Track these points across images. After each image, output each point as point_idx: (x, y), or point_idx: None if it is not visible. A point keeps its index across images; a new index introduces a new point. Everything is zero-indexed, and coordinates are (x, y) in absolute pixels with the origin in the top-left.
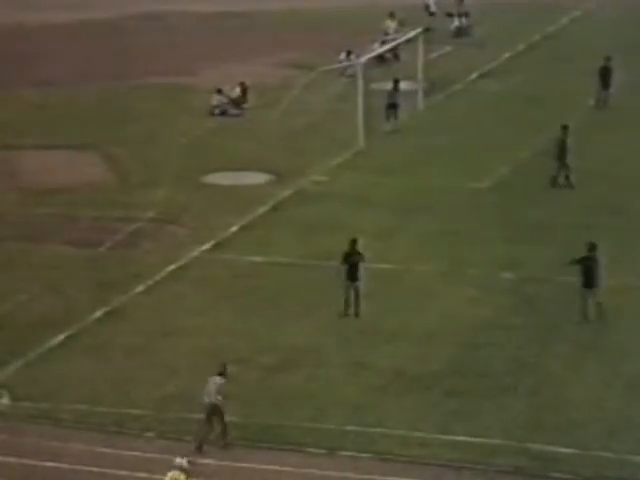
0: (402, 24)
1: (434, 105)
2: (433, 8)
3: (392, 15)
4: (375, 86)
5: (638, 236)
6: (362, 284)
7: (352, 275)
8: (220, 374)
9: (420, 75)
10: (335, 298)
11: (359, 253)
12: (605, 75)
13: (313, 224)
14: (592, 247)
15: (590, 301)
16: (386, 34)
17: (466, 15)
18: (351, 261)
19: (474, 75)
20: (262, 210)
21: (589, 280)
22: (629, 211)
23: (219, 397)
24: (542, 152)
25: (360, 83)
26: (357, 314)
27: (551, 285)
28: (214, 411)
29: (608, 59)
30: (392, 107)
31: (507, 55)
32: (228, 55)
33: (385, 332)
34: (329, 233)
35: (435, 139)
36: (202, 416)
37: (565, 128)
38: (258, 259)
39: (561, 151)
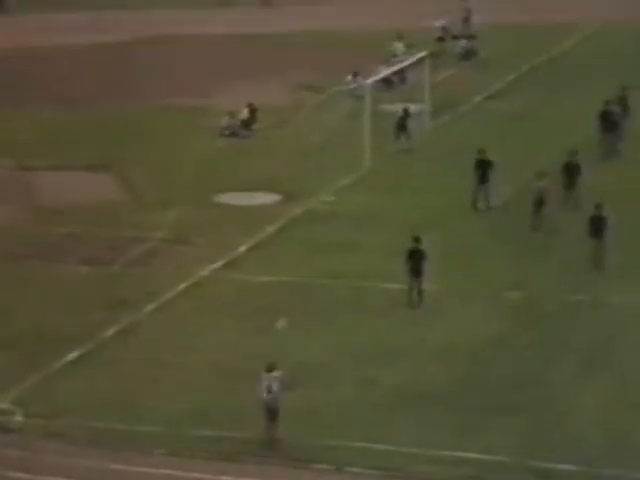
0: (410, 47)
1: (441, 126)
2: (440, 33)
3: (400, 37)
4: (383, 107)
5: None
6: (425, 279)
7: (415, 271)
8: (270, 370)
9: (427, 97)
10: (344, 316)
11: (422, 250)
12: (622, 104)
13: (322, 244)
14: (598, 206)
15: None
16: (394, 56)
17: (472, 37)
18: (414, 257)
19: (480, 96)
20: (271, 230)
21: (597, 232)
22: (635, 228)
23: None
24: (547, 172)
25: (367, 104)
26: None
27: (557, 303)
28: (273, 407)
29: (624, 89)
30: (402, 128)
31: (513, 76)
32: (239, 76)
33: (394, 349)
34: (337, 252)
35: (442, 159)
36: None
37: (573, 154)
38: (268, 278)
39: (570, 173)
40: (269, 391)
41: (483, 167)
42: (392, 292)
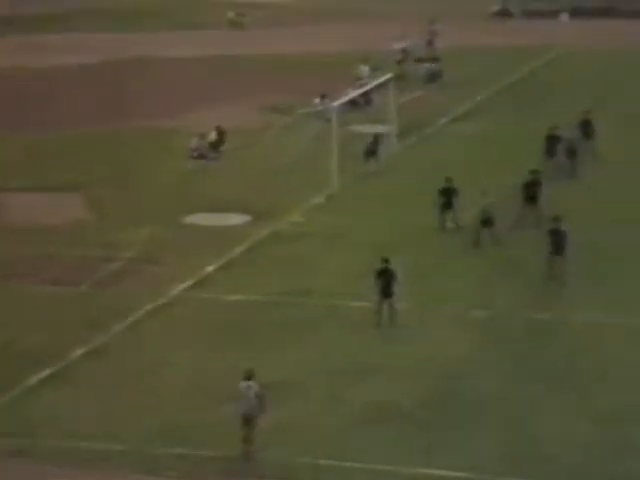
0: (375, 69)
1: (407, 147)
2: (400, 55)
3: (366, 60)
4: (351, 129)
5: (608, 273)
6: (396, 299)
7: (385, 291)
8: (249, 378)
9: (393, 119)
10: (313, 334)
11: (391, 270)
12: (586, 128)
13: (290, 263)
14: (556, 218)
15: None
16: (359, 79)
17: (436, 60)
18: (384, 278)
19: (446, 118)
20: (240, 250)
21: (557, 245)
22: (601, 248)
23: (259, 406)
24: (512, 194)
25: (334, 126)
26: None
27: (522, 321)
28: (250, 416)
29: (588, 112)
30: (371, 153)
31: (478, 98)
32: (208, 98)
33: (363, 367)
34: (307, 272)
35: (408, 181)
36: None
37: (535, 172)
38: (237, 297)
39: (531, 191)
40: (247, 399)
41: (448, 195)
42: (361, 310)
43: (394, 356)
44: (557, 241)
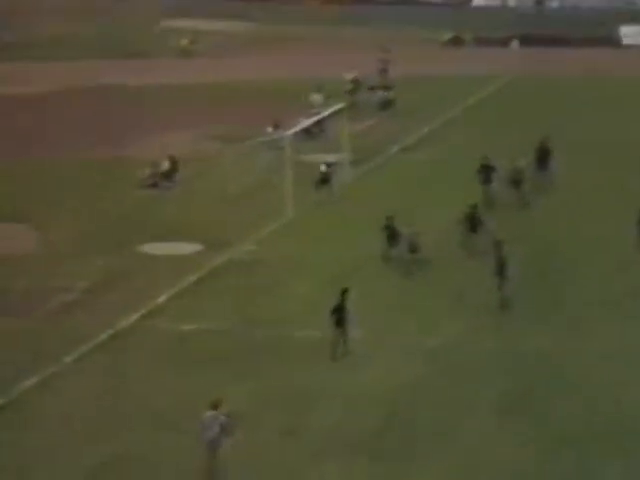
0: (328, 97)
1: (360, 176)
2: (351, 85)
3: (319, 89)
4: (304, 158)
5: (558, 300)
6: (349, 328)
7: (339, 321)
8: (215, 408)
9: (346, 148)
10: (267, 363)
11: (345, 301)
12: (543, 156)
13: (244, 292)
14: (498, 243)
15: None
16: (312, 107)
17: (389, 88)
18: (338, 309)
19: (398, 147)
20: (194, 279)
21: (500, 270)
22: (550, 275)
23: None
24: (451, 226)
25: (288, 155)
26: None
27: (474, 351)
28: (215, 446)
29: (546, 139)
30: (324, 183)
31: (430, 127)
32: (160, 127)
33: (316, 397)
34: (260, 301)
35: (361, 209)
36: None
37: (474, 207)
38: (190, 327)
39: (472, 225)
40: (212, 430)
41: (391, 230)
42: (315, 340)
43: (347, 386)
44: (499, 266)
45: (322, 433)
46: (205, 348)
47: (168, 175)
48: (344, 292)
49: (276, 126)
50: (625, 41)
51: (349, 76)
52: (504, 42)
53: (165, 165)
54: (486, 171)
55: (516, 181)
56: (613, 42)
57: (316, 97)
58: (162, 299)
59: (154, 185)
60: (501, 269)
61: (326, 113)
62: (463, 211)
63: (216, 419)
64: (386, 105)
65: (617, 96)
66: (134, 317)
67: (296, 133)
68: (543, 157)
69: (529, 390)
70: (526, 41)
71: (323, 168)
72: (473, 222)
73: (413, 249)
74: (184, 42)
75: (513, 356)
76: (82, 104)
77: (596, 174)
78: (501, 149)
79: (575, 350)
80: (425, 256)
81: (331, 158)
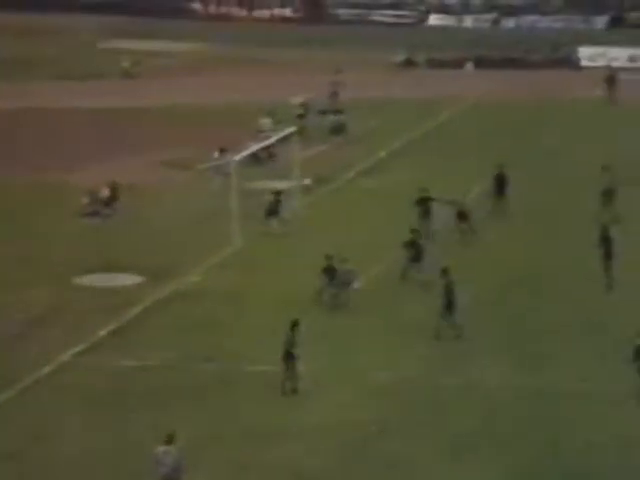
0: (278, 122)
1: (311, 203)
2: (300, 110)
3: (269, 113)
4: (252, 185)
5: (515, 334)
6: (299, 363)
7: (288, 355)
8: (168, 442)
9: (296, 174)
10: (214, 399)
11: (295, 334)
12: (500, 183)
13: (188, 325)
14: (445, 271)
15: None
16: (261, 132)
17: (340, 112)
18: (288, 342)
19: (351, 173)
20: (136, 312)
21: (450, 304)
22: (504, 308)
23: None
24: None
25: (234, 182)
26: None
27: (429, 386)
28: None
29: (501, 166)
30: (273, 213)
31: (385, 152)
32: (102, 152)
33: (265, 433)
34: (205, 334)
35: (311, 238)
36: None
37: (416, 232)
38: (131, 363)
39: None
40: (165, 465)
41: (329, 270)
42: (263, 374)
43: (297, 421)
44: (447, 295)
45: (274, 469)
46: (148, 385)
47: (108, 203)
48: (294, 325)
49: (222, 151)
50: (583, 63)
51: (297, 100)
52: (458, 64)
53: (105, 192)
54: (425, 204)
55: (461, 215)
56: (571, 64)
57: (265, 121)
58: (102, 333)
59: (95, 213)
60: (449, 299)
61: (276, 138)
62: (405, 239)
63: (169, 454)
64: (338, 130)
65: (575, 118)
66: (73, 352)
67: (244, 159)
68: (500, 184)
69: (485, 426)
70: (481, 63)
71: (272, 196)
72: (416, 249)
73: (346, 284)
74: (125, 64)
75: (469, 391)
76: (19, 127)
77: (554, 198)
78: (457, 176)
79: (533, 385)
80: (370, 289)
81: (281, 185)
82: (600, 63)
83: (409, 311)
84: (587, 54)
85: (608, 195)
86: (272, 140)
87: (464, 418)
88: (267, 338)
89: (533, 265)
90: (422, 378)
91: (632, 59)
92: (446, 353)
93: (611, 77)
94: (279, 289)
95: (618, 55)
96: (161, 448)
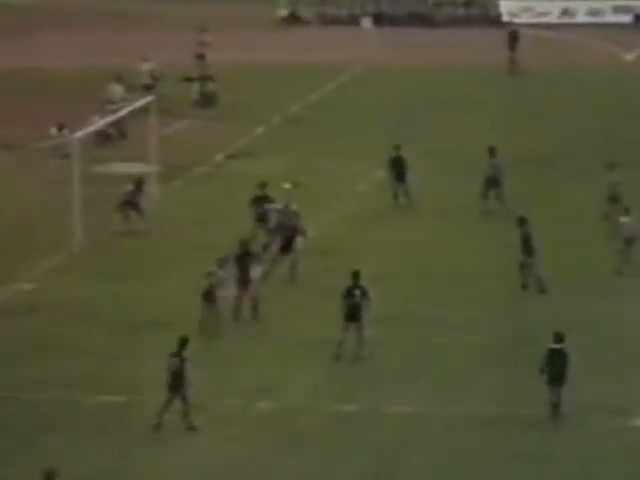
0: (131, 90)
1: (172, 193)
2: (147, 79)
3: (119, 79)
4: (98, 169)
5: (420, 354)
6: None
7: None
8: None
9: (153, 156)
10: (54, 437)
11: (183, 357)
12: (398, 166)
13: (15, 348)
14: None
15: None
16: (110, 102)
17: (209, 79)
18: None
19: (222, 155)
20: None
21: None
22: (405, 326)
23: None
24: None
25: (76, 166)
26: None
27: (321, 414)
28: None
29: (398, 147)
30: (130, 205)
31: (262, 130)
32: None
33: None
34: (37, 357)
35: (172, 236)
36: None
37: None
38: None
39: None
40: None
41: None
42: (113, 406)
43: (162, 465)
44: (351, 309)
45: None
46: None
47: None
48: (182, 344)
49: (61, 127)
50: (506, 19)
51: (146, 66)
52: (353, 20)
53: None
54: (261, 204)
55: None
56: (491, 20)
57: (116, 88)
58: None
59: None
60: (351, 312)
61: (128, 110)
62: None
63: None
64: (206, 101)
65: (473, 88)
66: None
67: (88, 136)
68: (398, 168)
69: (388, 457)
70: (381, 20)
71: (129, 187)
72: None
73: (208, 295)
74: None
75: (368, 421)
76: None
77: (461, 185)
78: (347, 157)
79: (441, 414)
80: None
81: (138, 170)
82: (526, 20)
83: (301, 327)
84: (510, 8)
85: (492, 183)
86: (124, 112)
87: (362, 455)
88: (117, 361)
89: (439, 267)
90: (314, 406)
91: (566, 13)
92: (341, 375)
93: (513, 36)
94: (128, 301)
95: (548, 9)
96: None
